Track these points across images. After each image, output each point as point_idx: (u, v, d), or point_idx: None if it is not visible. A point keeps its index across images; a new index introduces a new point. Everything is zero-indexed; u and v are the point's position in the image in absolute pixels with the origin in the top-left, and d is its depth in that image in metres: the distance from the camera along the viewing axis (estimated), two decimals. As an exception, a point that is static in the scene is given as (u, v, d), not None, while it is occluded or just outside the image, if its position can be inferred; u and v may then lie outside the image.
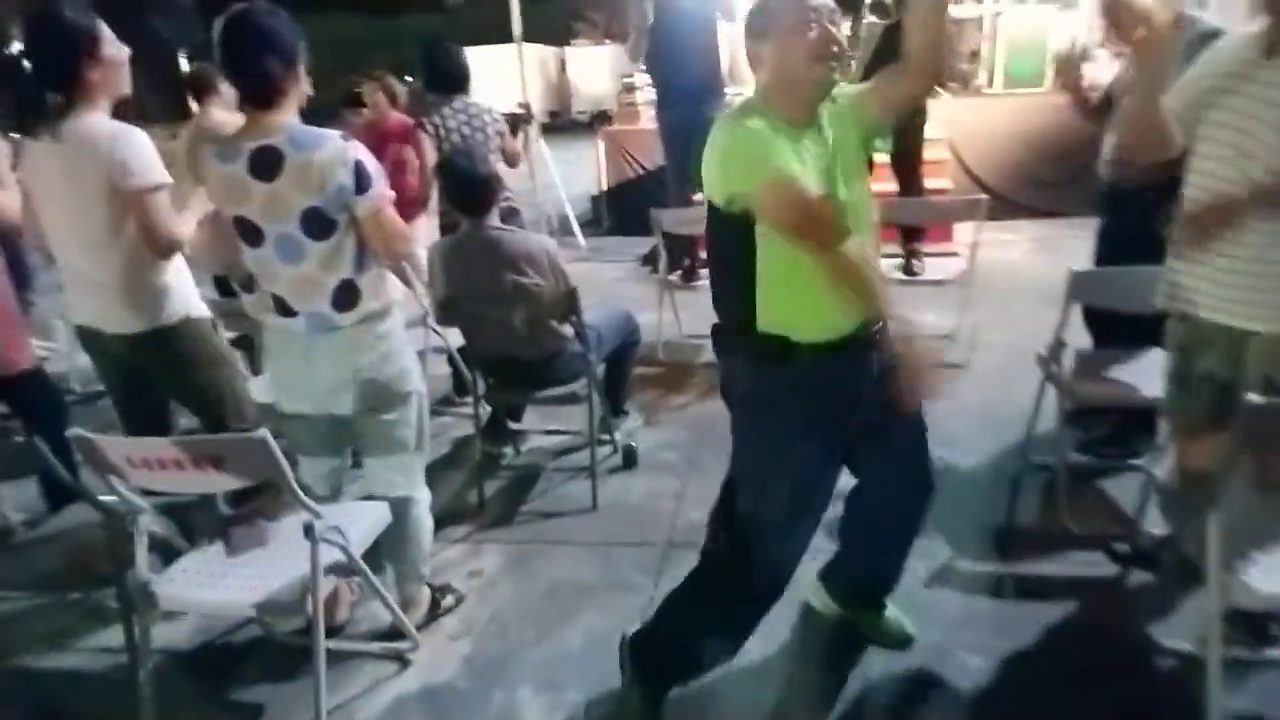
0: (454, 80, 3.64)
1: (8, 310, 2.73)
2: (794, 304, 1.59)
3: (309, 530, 1.78)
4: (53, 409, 2.80)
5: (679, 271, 4.67)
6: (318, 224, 1.88)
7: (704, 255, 2.20)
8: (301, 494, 1.80)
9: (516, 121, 4.27)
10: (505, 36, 7.35)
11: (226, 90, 3.69)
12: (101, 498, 1.88)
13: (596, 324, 2.91)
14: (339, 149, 1.86)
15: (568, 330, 2.80)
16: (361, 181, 1.88)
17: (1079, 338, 2.84)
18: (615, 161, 8.01)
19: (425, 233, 5.14)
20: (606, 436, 3.18)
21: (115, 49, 2.11)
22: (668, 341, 4.40)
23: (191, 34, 8.15)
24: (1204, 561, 1.62)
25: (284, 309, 1.97)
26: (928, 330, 3.86)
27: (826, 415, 1.67)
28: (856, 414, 1.69)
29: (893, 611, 2.14)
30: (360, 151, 1.90)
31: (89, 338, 2.30)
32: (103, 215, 2.09)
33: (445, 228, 3.42)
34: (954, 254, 5.38)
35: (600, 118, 24.42)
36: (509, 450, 3.34)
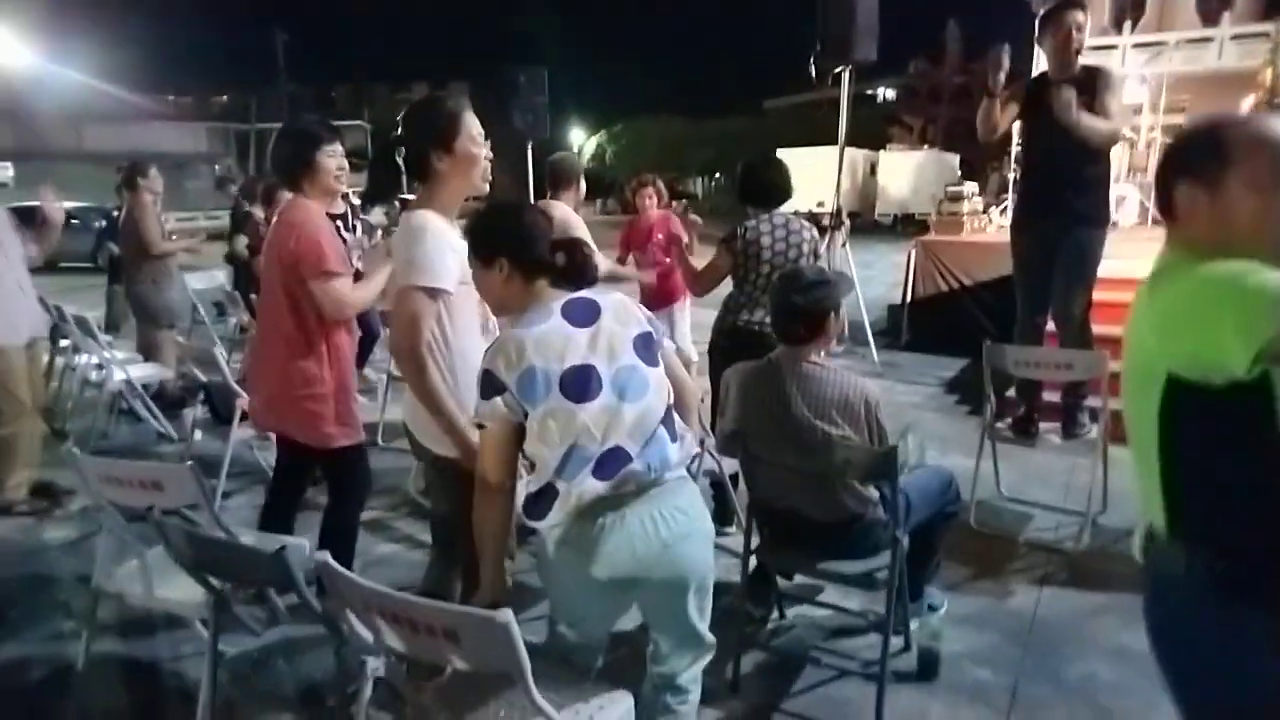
0: (773, 195, 3.28)
1: (343, 385, 2.53)
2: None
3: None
4: (355, 489, 2.67)
5: (1009, 420, 3.82)
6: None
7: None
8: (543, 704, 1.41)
9: (821, 222, 4.04)
10: (814, 139, 7.10)
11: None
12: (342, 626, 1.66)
13: (906, 485, 2.27)
14: None
15: (872, 493, 2.20)
16: None
17: None
18: (926, 272, 7.28)
19: (685, 315, 4.99)
20: (901, 627, 2.48)
21: (471, 145, 1.98)
22: (983, 502, 3.57)
23: (541, 130, 8.90)
24: None
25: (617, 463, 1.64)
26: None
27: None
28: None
29: None
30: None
31: None
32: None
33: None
34: None
35: (905, 220, 23.83)
36: (773, 614, 2.76)
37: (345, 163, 2.58)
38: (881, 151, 25.50)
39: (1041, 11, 4.01)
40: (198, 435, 4.19)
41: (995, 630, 2.71)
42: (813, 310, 2.19)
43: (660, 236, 4.95)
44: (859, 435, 2.13)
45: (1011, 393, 4.21)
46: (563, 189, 3.95)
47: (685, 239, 3.67)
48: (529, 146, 9.29)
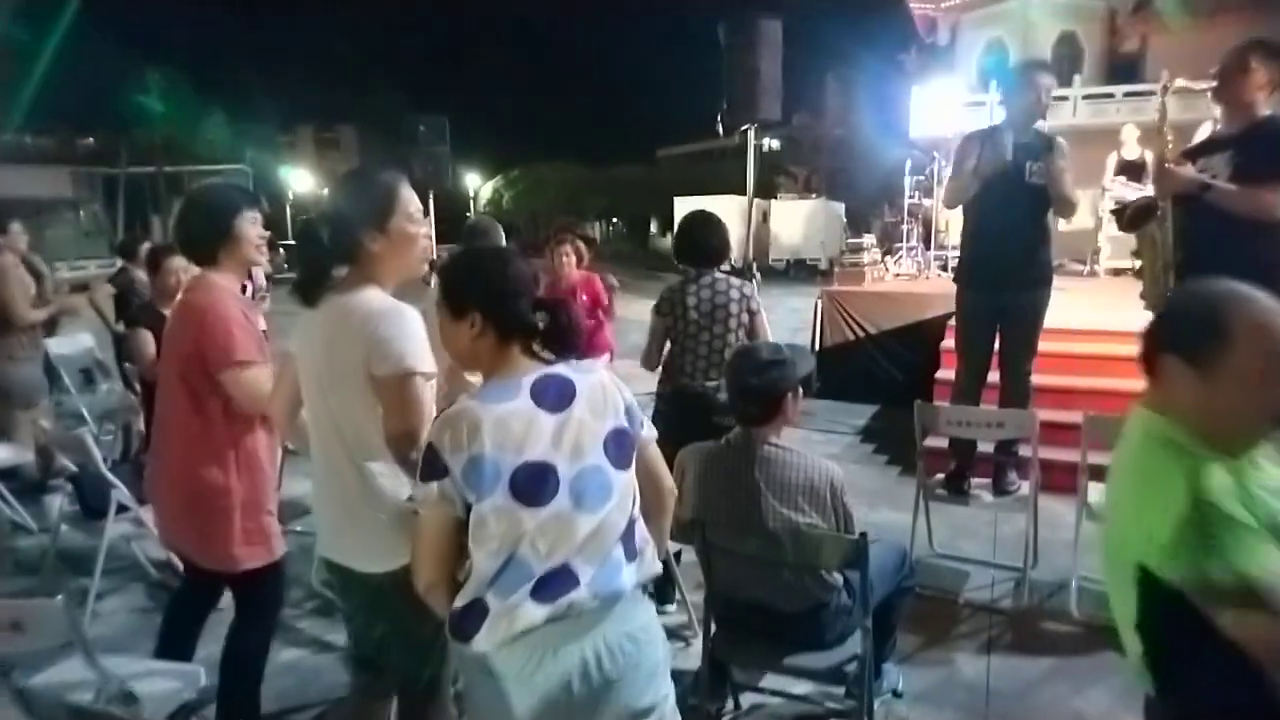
0: (709, 256, 3.22)
1: (254, 497, 2.19)
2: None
3: None
4: (266, 610, 2.32)
5: (941, 475, 3.83)
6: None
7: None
8: None
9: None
10: (706, 186, 7.24)
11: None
12: None
13: (864, 564, 2.17)
14: None
15: (836, 578, 2.09)
16: None
17: None
18: (833, 322, 7.44)
19: None
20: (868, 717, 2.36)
21: (407, 223, 1.76)
22: (919, 560, 3.54)
23: (442, 179, 8.74)
24: None
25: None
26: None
27: None
28: None
29: None
30: None
31: None
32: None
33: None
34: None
35: (797, 265, 24.70)
36: (729, 707, 2.59)
37: (265, 231, 2.31)
38: (773, 200, 26.47)
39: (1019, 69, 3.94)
40: (63, 528, 3.69)
41: (953, 707, 2.62)
42: (769, 391, 2.08)
43: (585, 298, 4.81)
44: (825, 521, 2.02)
45: (930, 442, 4.24)
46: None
47: (606, 303, 3.58)
48: (430, 196, 9.08)
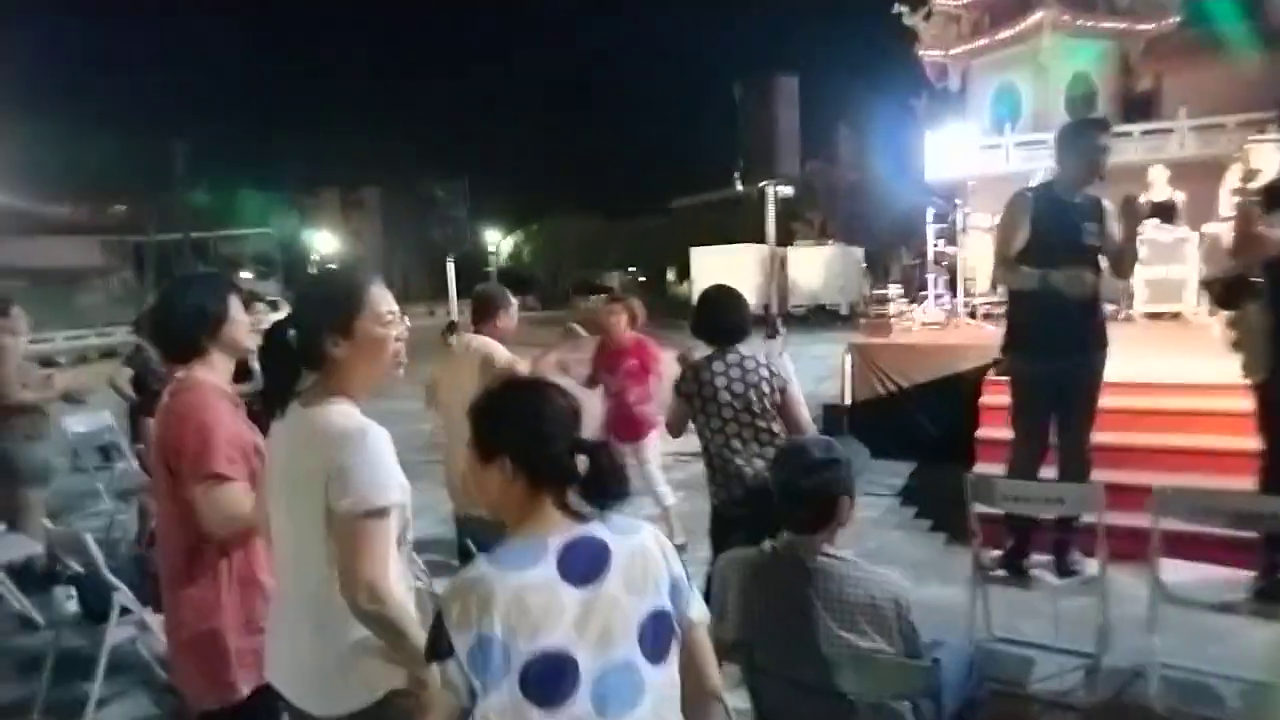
0: (731, 335, 3.04)
1: (250, 615, 1.97)
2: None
3: None
4: None
5: (997, 552, 3.55)
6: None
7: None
8: None
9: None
10: (721, 234, 7.12)
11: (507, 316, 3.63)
12: None
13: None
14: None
15: (903, 706, 1.85)
16: None
17: None
18: (863, 376, 7.21)
19: (654, 451, 4.63)
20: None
21: (375, 325, 1.61)
22: (978, 646, 3.27)
23: (460, 244, 8.67)
24: None
25: None
26: None
27: None
28: None
29: None
30: None
31: None
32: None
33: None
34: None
35: (817, 311, 24.53)
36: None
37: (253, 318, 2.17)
38: (789, 247, 26.48)
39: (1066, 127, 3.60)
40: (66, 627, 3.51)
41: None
42: (822, 493, 1.87)
43: (635, 362, 4.58)
44: (891, 645, 1.79)
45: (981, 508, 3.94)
46: (484, 322, 3.59)
47: (659, 367, 3.44)
48: (449, 260, 9.08)
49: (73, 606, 3.30)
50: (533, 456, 1.30)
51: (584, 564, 1.25)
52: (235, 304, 2.05)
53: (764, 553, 1.95)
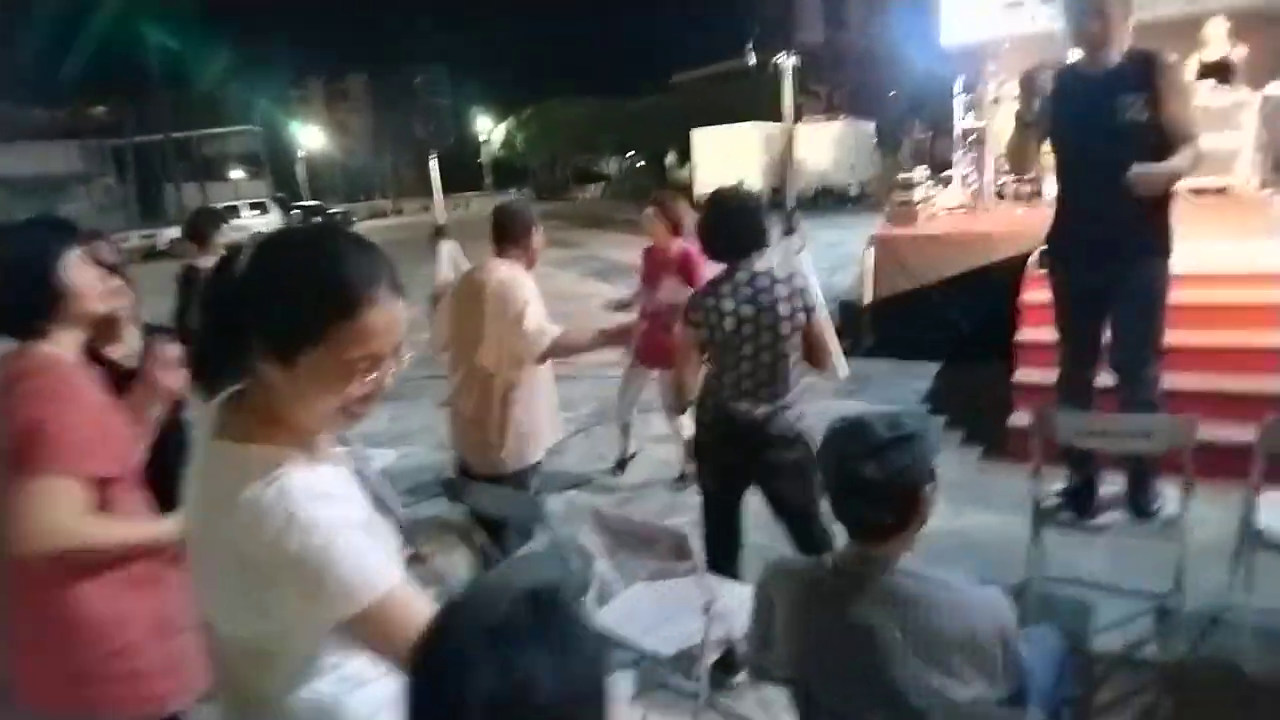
0: (741, 246, 2.53)
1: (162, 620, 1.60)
2: None
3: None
4: None
5: (1057, 490, 3.16)
6: None
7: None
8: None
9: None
10: (727, 113, 6.48)
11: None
12: None
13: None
14: None
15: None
16: None
17: None
18: (886, 272, 6.68)
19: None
20: None
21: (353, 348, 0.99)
22: (1029, 586, 2.93)
23: (444, 137, 7.93)
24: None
25: None
26: None
27: None
28: None
29: None
30: None
31: None
32: None
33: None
34: None
35: (824, 194, 23.46)
36: None
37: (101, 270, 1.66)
38: (798, 124, 25.18)
39: None
40: None
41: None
42: (895, 485, 1.39)
43: (677, 277, 3.92)
44: (994, 687, 1.38)
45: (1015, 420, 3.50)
46: (509, 246, 2.89)
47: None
48: (431, 157, 8.32)
49: None
50: None
51: None
52: (75, 267, 1.55)
53: (819, 565, 1.51)
